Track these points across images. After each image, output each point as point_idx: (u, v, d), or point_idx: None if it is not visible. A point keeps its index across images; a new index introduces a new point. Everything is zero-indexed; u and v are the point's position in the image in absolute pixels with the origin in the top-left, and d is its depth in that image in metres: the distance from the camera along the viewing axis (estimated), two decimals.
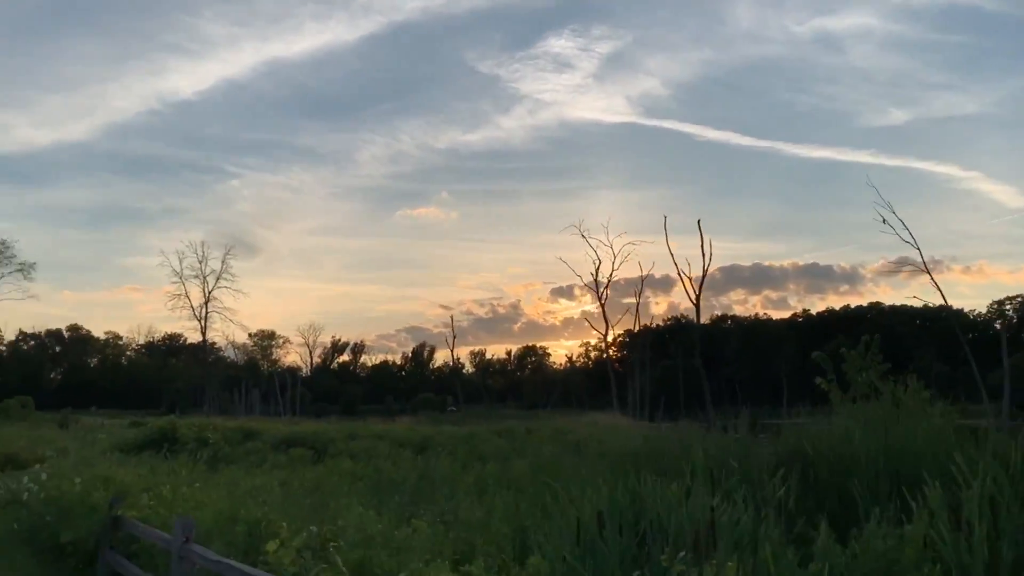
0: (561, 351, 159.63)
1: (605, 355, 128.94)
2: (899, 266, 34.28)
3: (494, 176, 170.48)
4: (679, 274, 51.53)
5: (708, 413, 37.50)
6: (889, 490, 6.42)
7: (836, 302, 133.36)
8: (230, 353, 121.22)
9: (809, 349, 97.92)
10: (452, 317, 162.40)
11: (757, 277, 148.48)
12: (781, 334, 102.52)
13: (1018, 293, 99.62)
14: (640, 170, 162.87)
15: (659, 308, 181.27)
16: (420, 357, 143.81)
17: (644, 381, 78.16)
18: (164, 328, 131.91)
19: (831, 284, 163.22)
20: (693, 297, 52.76)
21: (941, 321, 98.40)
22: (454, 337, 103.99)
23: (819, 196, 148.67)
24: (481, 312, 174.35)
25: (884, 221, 33.45)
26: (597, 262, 69.74)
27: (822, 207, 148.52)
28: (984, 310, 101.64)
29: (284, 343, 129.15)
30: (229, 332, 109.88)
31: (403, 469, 12.10)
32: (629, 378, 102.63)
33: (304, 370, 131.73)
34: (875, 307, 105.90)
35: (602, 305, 71.83)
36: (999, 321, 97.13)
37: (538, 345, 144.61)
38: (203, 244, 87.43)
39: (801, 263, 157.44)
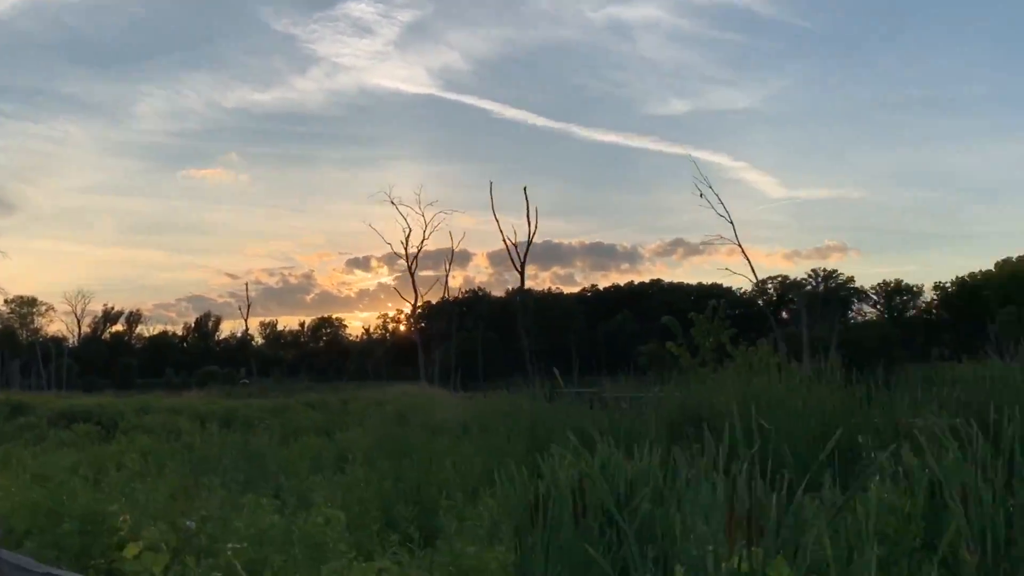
0: (357, 323, 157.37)
1: (413, 327, 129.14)
2: (711, 240, 36.76)
3: (288, 139, 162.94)
4: (504, 241, 51.14)
5: (531, 381, 38.21)
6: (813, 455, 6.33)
7: (618, 279, 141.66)
8: None
9: (597, 322, 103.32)
10: (247, 285, 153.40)
11: (547, 254, 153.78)
12: (572, 308, 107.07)
13: (778, 274, 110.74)
14: (439, 144, 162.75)
15: (455, 282, 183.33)
16: (204, 328, 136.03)
17: (449, 352, 78.74)
18: None
19: (614, 262, 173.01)
20: (518, 266, 52.94)
21: (713, 297, 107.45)
22: (248, 306, 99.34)
23: (606, 178, 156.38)
24: (271, 282, 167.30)
25: (701, 195, 35.59)
26: (407, 230, 68.42)
27: (608, 189, 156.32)
28: (749, 288, 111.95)
29: (47, 311, 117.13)
30: None
31: (216, 446, 11.06)
32: (436, 349, 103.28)
33: (71, 340, 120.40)
34: (656, 284, 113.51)
35: (412, 274, 70.86)
36: (762, 299, 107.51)
37: (334, 316, 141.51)
38: None
39: (587, 241, 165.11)
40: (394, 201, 65.44)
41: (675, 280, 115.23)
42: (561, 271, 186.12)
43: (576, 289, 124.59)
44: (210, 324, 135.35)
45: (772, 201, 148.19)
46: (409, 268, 70.55)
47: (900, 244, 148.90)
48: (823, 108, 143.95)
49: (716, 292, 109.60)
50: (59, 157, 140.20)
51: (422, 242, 68.96)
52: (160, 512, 5.12)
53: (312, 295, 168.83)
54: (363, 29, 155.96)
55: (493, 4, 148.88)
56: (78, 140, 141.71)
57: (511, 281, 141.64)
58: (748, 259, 38.18)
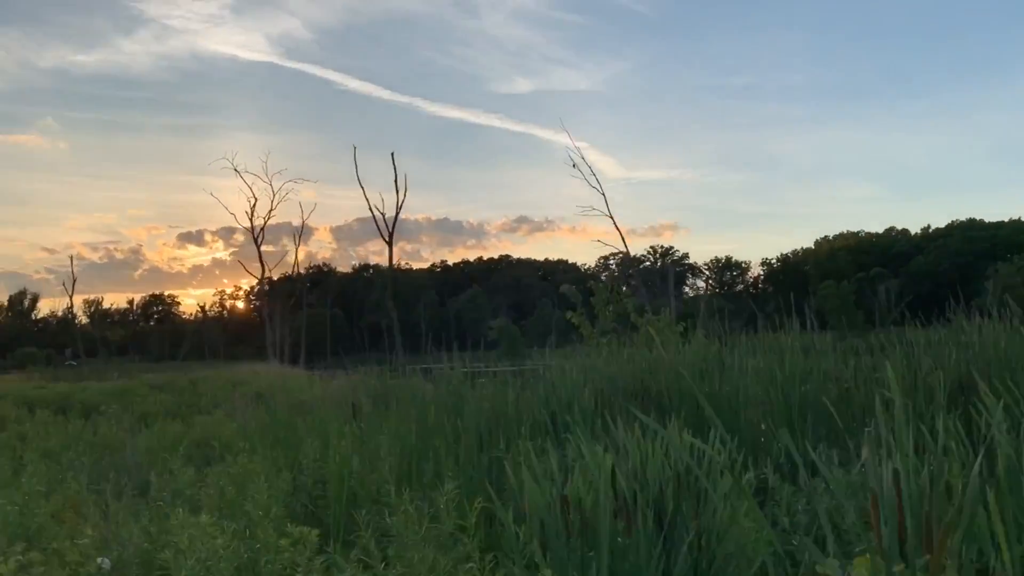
0: (190, 300, 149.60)
1: (256, 303, 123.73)
2: (587, 211, 36.82)
3: (112, 104, 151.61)
4: (371, 209, 47.91)
5: (397, 356, 37.28)
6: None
7: (465, 255, 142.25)
8: None
9: (447, 297, 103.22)
10: (71, 259, 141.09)
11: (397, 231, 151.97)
12: (422, 283, 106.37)
13: (620, 250, 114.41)
14: (279, 113, 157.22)
15: (296, 257, 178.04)
16: (20, 306, 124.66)
17: (299, 329, 75.82)
18: None
19: (460, 238, 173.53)
20: (386, 237, 50.08)
21: (559, 274, 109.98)
22: (74, 281, 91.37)
23: (451, 154, 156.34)
24: (95, 257, 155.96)
25: (574, 165, 35.70)
26: (253, 200, 64.52)
27: (454, 165, 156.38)
28: (593, 264, 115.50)
29: None
30: None
31: (55, 437, 9.76)
32: (280, 327, 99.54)
33: None
34: (504, 259, 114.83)
35: (258, 247, 67.08)
36: (605, 273, 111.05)
37: (166, 294, 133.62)
38: None
39: (434, 217, 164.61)
40: (238, 169, 61.47)
41: (523, 256, 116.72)
42: (408, 247, 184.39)
43: (424, 265, 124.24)
44: (26, 302, 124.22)
45: (611, 181, 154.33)
46: (255, 240, 66.91)
47: (728, 223, 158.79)
48: (658, 92, 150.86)
49: (562, 267, 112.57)
50: None
51: (269, 213, 65.42)
52: (45, 540, 3.88)
53: (140, 271, 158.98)
54: None
55: None
56: None
57: (355, 257, 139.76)
58: (620, 231, 38.94)
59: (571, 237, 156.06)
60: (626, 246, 44.75)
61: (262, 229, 66.41)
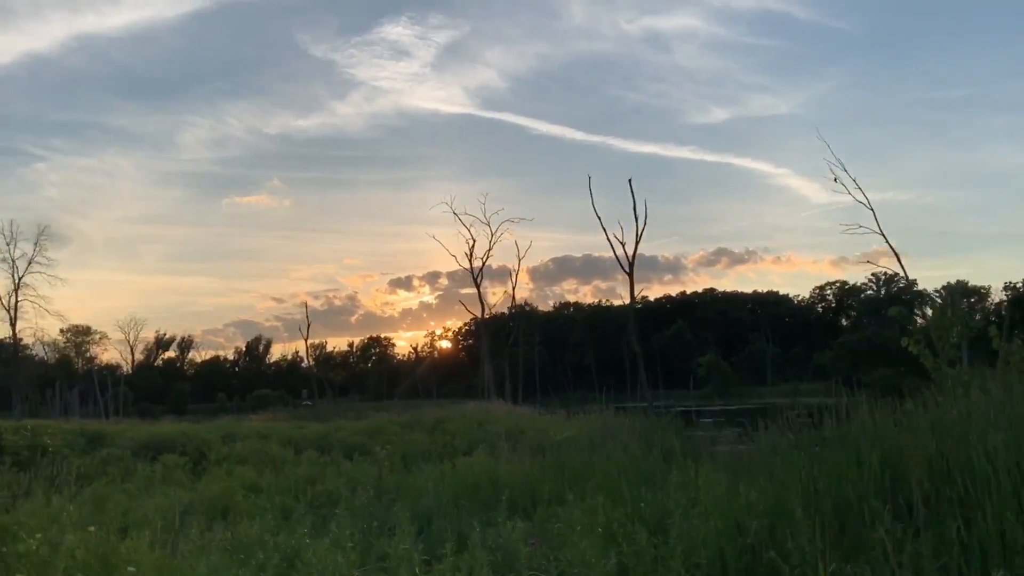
0: (401, 342, 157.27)
1: (463, 342, 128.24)
2: (851, 228, 34.66)
3: (329, 164, 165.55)
4: (610, 241, 46.85)
5: (646, 395, 36.59)
6: None
7: (660, 291, 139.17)
8: (38, 351, 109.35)
9: (649, 334, 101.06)
10: (306, 306, 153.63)
11: (587, 267, 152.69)
12: (622, 320, 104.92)
13: (836, 279, 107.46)
14: (476, 161, 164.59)
15: (495, 298, 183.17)
16: (255, 351, 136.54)
17: (512, 367, 76.92)
18: None
19: (656, 273, 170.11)
20: (626, 265, 50.22)
21: (770, 306, 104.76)
22: (308, 325, 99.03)
23: (645, 189, 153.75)
24: (316, 304, 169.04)
25: (835, 179, 33.78)
26: (471, 241, 67.22)
27: (647, 200, 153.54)
28: (807, 295, 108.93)
29: (101, 339, 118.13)
30: (45, 325, 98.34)
31: (335, 478, 9.72)
32: (488, 364, 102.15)
33: (124, 368, 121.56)
34: (709, 293, 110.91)
35: (478, 286, 69.25)
36: (821, 305, 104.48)
37: (382, 336, 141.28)
38: (12, 223, 76.14)
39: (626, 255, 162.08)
40: (456, 212, 64.22)
41: (728, 289, 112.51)
42: (603, 284, 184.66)
43: (621, 301, 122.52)
44: (260, 348, 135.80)
45: (816, 207, 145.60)
46: (475, 281, 68.82)
47: (951, 246, 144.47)
48: (865, 110, 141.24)
49: (773, 300, 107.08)
50: (108, 189, 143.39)
51: (487, 253, 67.31)
52: None
53: (356, 316, 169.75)
54: (400, 51, 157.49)
55: (528, 21, 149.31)
56: (126, 171, 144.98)
57: (551, 296, 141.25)
58: (894, 249, 35.90)
59: (776, 268, 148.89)
60: (903, 267, 41.49)
61: (480, 270, 68.41)
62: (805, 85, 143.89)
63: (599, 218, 48.21)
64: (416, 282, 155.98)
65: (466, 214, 65.52)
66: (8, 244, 71.26)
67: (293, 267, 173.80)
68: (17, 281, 71.70)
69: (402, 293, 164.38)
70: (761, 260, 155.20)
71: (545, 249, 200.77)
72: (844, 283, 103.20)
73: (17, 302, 71.95)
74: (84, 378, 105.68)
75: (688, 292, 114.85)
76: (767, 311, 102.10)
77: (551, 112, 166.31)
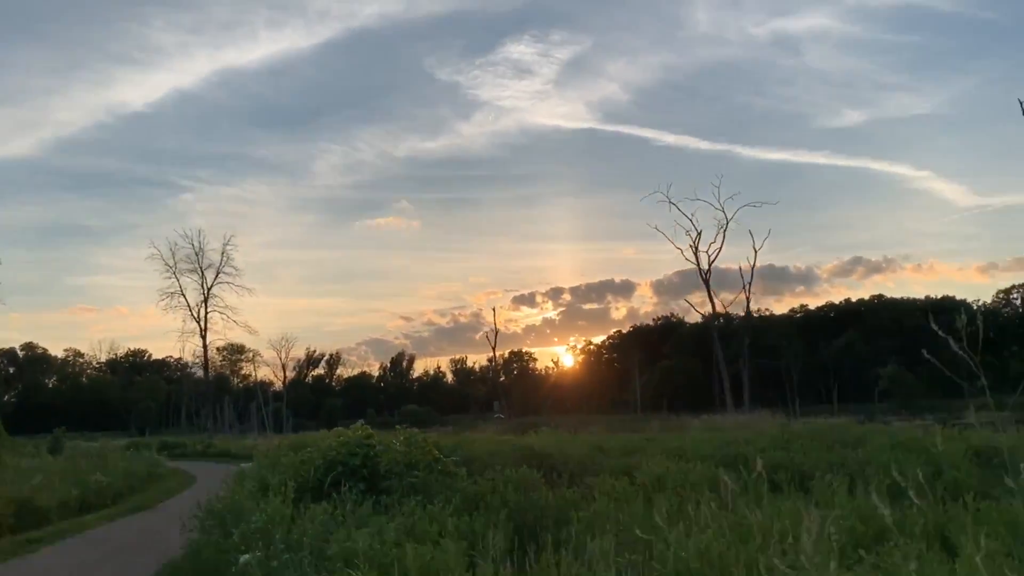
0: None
1: (609, 355, 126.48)
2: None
3: (455, 184, 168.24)
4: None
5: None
6: None
7: (792, 302, 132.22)
8: (197, 370, 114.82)
9: (815, 344, 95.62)
10: (497, 317, 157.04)
11: (714, 280, 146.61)
12: (785, 330, 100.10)
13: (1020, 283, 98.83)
14: (599, 175, 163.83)
15: (619, 313, 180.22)
16: (399, 367, 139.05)
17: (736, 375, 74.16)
18: (128, 344, 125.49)
19: (787, 285, 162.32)
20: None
21: (948, 313, 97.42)
22: (496, 332, 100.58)
23: (773, 197, 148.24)
24: (443, 322, 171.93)
25: None
26: (695, 232, 65.27)
27: (776, 208, 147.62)
28: (989, 300, 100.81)
29: (254, 356, 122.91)
30: (231, 335, 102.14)
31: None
32: (638, 377, 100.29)
33: (276, 385, 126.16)
34: (878, 299, 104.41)
35: (706, 281, 67.27)
36: (1007, 309, 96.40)
37: (524, 350, 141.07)
38: (200, 232, 78.70)
39: (758, 264, 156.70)
40: (673, 201, 63.05)
41: (902, 296, 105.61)
42: (729, 296, 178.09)
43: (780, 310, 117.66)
44: (404, 363, 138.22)
45: (961, 211, 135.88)
46: (704, 277, 66.93)
47: None
48: (1013, 106, 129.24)
49: (950, 306, 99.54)
50: (249, 216, 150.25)
51: (722, 242, 65.25)
52: None
53: (481, 333, 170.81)
54: (523, 70, 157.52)
55: (652, 31, 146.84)
56: (266, 199, 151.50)
57: (679, 310, 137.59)
58: None
59: (917, 276, 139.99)
60: None
61: (710, 264, 66.22)
62: (948, 82, 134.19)
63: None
64: (539, 298, 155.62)
65: (696, 199, 63.59)
66: (197, 254, 73.07)
67: (421, 286, 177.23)
68: (206, 292, 73.41)
69: (525, 309, 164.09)
70: (901, 268, 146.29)
71: (668, 263, 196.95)
72: None
73: (207, 313, 73.59)
74: (242, 395, 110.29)
75: (854, 299, 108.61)
76: (946, 318, 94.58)
77: (676, 123, 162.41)
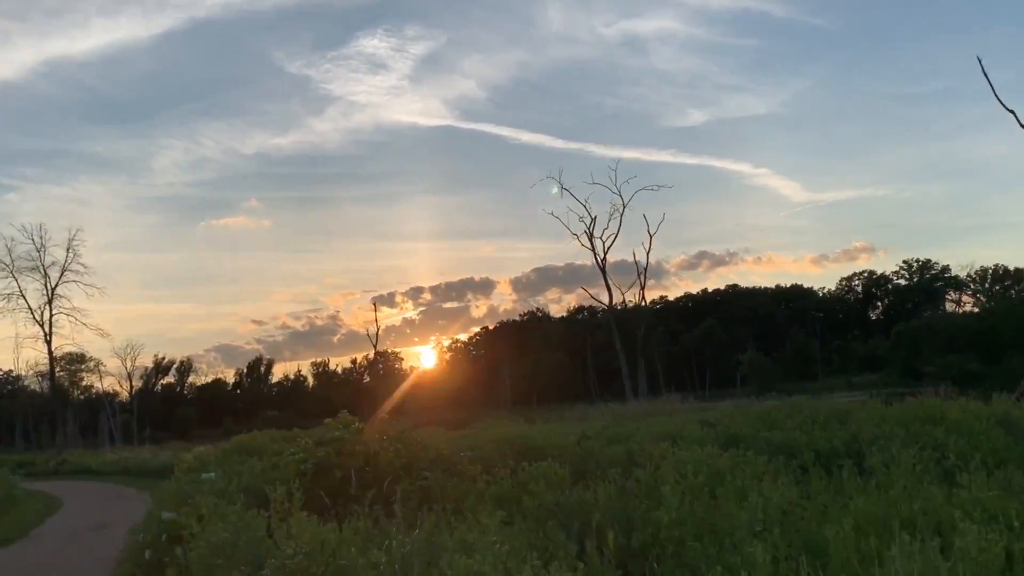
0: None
1: (477, 352, 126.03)
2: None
3: (308, 182, 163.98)
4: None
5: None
6: None
7: (647, 295, 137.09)
8: (32, 382, 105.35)
9: (678, 334, 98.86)
10: (378, 313, 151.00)
11: (569, 276, 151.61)
12: (647, 321, 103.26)
13: (864, 269, 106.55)
14: (455, 174, 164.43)
15: (479, 311, 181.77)
16: (256, 372, 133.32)
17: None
18: None
19: (636, 277, 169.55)
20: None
21: (797, 300, 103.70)
22: (378, 329, 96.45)
23: (608, 202, 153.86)
24: (298, 325, 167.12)
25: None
26: (589, 218, 64.82)
27: (630, 206, 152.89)
28: (833, 288, 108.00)
29: (97, 365, 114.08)
30: (81, 339, 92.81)
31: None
32: (507, 373, 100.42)
33: (121, 395, 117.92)
34: (733, 289, 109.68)
35: (603, 268, 66.59)
36: (849, 295, 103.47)
37: (390, 351, 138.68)
38: (41, 227, 70.35)
39: (612, 260, 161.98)
40: (564, 187, 62.64)
41: (752, 284, 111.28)
42: (591, 290, 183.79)
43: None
44: (262, 368, 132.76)
45: (795, 206, 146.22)
46: (600, 264, 66.20)
47: (930, 239, 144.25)
48: (842, 107, 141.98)
49: (799, 293, 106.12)
50: (85, 217, 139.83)
51: (619, 227, 65.10)
52: None
53: (339, 335, 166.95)
54: (377, 65, 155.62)
55: (506, 29, 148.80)
56: (100, 198, 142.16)
57: (533, 305, 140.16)
58: None
59: (756, 268, 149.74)
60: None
61: (605, 252, 65.76)
62: (783, 84, 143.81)
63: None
64: (399, 298, 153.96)
65: (593, 183, 63.94)
66: (39, 251, 65.85)
67: (274, 289, 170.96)
68: (50, 293, 66.23)
69: (385, 310, 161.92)
70: (742, 261, 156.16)
71: (526, 260, 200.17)
72: (872, 272, 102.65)
73: (52, 315, 66.39)
74: (84, 407, 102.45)
75: (710, 289, 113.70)
76: (795, 305, 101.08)
77: (530, 120, 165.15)
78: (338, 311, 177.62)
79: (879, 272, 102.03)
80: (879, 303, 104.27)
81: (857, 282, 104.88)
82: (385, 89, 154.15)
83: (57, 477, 37.80)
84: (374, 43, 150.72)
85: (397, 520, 6.14)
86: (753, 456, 7.33)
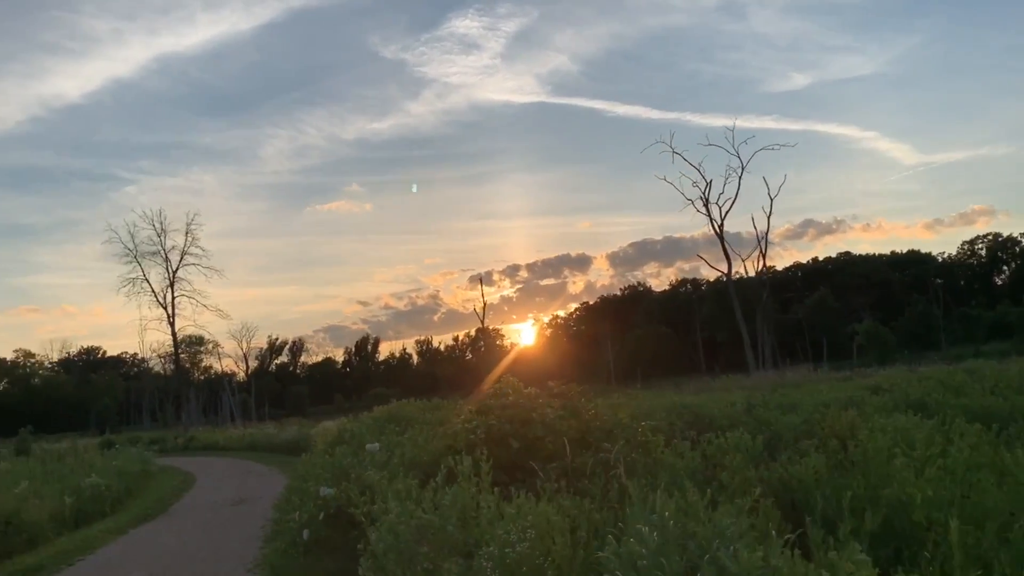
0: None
1: (576, 327, 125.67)
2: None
3: (405, 164, 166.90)
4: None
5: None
6: None
7: (740, 269, 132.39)
8: (156, 364, 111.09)
9: (788, 306, 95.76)
10: (485, 297, 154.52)
11: (668, 249, 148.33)
12: (751, 293, 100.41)
13: (989, 232, 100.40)
14: (550, 150, 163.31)
15: (576, 287, 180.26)
16: (364, 351, 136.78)
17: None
18: (80, 343, 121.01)
19: (741, 250, 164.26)
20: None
21: (914, 266, 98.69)
22: (484, 305, 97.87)
23: (724, 165, 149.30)
24: (400, 305, 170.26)
25: None
26: (704, 183, 63.14)
27: (727, 175, 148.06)
28: (954, 252, 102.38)
29: (215, 347, 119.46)
30: (202, 319, 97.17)
31: None
32: (611, 346, 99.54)
33: (238, 375, 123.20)
34: (845, 256, 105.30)
35: (721, 236, 64.63)
36: (971, 260, 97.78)
37: (491, 328, 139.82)
38: (161, 212, 73.95)
39: (710, 232, 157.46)
40: (674, 150, 60.83)
41: (864, 252, 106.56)
42: (685, 265, 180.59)
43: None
44: (369, 347, 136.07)
45: (906, 169, 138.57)
46: (717, 229, 64.13)
47: None
48: (955, 63, 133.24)
49: (916, 259, 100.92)
50: (195, 207, 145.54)
51: (737, 190, 63.47)
52: None
53: (439, 314, 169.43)
54: (470, 45, 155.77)
55: (598, 1, 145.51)
56: (212, 188, 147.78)
57: (632, 280, 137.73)
58: None
59: (866, 236, 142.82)
60: None
61: (723, 218, 63.81)
62: (890, 41, 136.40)
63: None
64: (496, 276, 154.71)
65: (708, 144, 61.66)
66: (159, 235, 69.09)
67: (376, 270, 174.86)
68: (171, 276, 69.46)
69: (483, 288, 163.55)
70: (850, 228, 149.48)
71: (623, 234, 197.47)
72: (998, 235, 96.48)
73: (174, 297, 69.53)
74: (200, 388, 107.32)
75: (820, 258, 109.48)
76: (912, 271, 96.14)
77: (625, 92, 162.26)
78: (438, 290, 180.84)
79: (1005, 235, 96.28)
80: (1005, 267, 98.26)
81: (981, 245, 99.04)
82: (479, 68, 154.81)
83: (187, 453, 39.65)
84: (466, 23, 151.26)
85: (626, 499, 5.33)
86: (967, 424, 6.63)
